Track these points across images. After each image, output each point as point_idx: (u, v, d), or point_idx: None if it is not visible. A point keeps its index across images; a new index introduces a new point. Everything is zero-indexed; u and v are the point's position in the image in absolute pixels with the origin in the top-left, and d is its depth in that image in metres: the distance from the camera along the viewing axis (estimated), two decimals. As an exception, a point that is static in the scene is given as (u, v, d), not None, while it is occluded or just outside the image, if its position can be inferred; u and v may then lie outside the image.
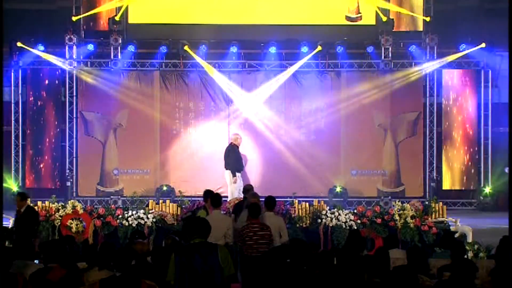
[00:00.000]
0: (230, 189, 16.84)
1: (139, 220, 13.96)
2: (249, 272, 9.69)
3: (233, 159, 17.20)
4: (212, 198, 11.31)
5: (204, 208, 11.84)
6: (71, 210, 14.02)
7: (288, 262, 7.51)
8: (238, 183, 16.75)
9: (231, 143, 17.59)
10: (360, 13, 19.64)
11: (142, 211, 14.18)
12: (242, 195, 14.26)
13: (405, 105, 19.82)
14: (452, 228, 14.12)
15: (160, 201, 15.20)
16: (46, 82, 19.91)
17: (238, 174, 17.00)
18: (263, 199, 11.28)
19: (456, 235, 13.56)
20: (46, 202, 14.41)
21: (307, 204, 14.34)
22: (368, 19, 20.02)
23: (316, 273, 7.36)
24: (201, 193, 18.55)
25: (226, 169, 17.16)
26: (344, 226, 13.78)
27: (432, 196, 17.88)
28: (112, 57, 19.58)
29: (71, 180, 19.51)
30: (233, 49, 19.39)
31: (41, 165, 19.76)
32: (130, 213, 14.08)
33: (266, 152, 19.44)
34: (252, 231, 10.09)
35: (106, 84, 19.58)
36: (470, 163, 20.07)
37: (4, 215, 6.44)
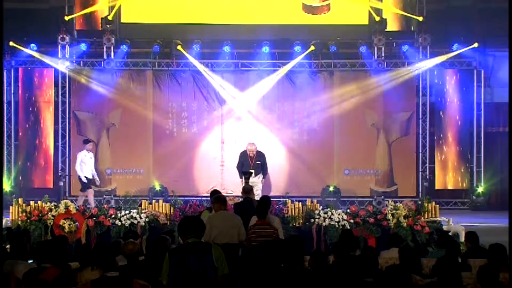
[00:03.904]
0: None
1: (132, 220, 13.91)
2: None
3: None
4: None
5: (209, 209, 11.66)
6: (64, 210, 13.97)
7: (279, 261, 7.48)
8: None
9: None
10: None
11: (135, 211, 14.13)
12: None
13: (398, 105, 19.85)
14: (445, 228, 14.14)
15: (153, 201, 15.16)
16: (39, 81, 19.88)
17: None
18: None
19: (449, 234, 13.57)
20: (39, 202, 14.35)
21: (300, 203, 14.30)
22: (361, 19, 20.07)
23: (309, 270, 7.35)
24: (194, 193, 18.87)
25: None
26: (337, 226, 13.76)
27: (425, 196, 17.88)
28: (105, 56, 19.56)
29: (64, 180, 19.48)
30: (226, 49, 19.39)
31: (34, 165, 19.71)
32: (123, 213, 14.02)
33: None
34: (256, 232, 10.05)
35: (99, 84, 19.54)
36: (462, 163, 20.11)
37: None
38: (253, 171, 16.69)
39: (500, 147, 19.55)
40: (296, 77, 19.84)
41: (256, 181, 16.79)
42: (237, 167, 17.31)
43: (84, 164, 17.28)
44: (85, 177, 17.24)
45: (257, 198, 14.16)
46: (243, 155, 17.28)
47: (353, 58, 19.81)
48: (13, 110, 19.74)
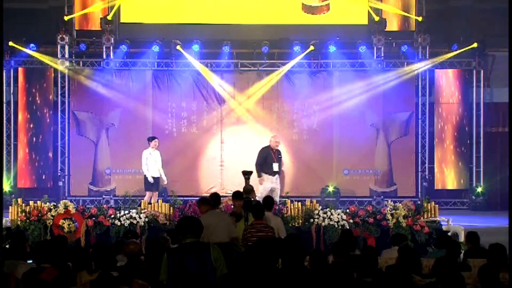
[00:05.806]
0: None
1: (132, 220, 13.92)
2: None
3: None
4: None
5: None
6: (63, 210, 13.98)
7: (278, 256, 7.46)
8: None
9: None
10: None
11: (134, 211, 14.15)
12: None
13: (397, 105, 19.85)
14: (444, 228, 14.16)
15: (153, 201, 15.17)
16: (38, 81, 19.86)
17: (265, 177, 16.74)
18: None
19: (448, 234, 13.58)
20: (38, 202, 14.36)
21: (300, 203, 14.32)
22: (360, 19, 20.06)
23: (309, 270, 7.34)
24: (194, 193, 18.84)
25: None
26: (336, 226, 13.78)
27: (424, 196, 17.91)
28: (104, 56, 19.55)
29: (63, 180, 19.46)
30: (226, 49, 19.38)
31: (33, 165, 19.70)
32: (122, 213, 14.04)
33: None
34: (251, 231, 10.03)
35: (98, 84, 19.53)
36: (462, 163, 20.10)
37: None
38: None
39: (499, 147, 19.55)
40: (296, 77, 19.83)
41: (276, 182, 16.67)
42: (257, 164, 16.81)
43: (150, 163, 16.95)
44: (152, 176, 16.90)
45: (276, 199, 14.09)
46: (266, 150, 16.96)
47: (353, 58, 19.79)
48: (12, 110, 19.72)
